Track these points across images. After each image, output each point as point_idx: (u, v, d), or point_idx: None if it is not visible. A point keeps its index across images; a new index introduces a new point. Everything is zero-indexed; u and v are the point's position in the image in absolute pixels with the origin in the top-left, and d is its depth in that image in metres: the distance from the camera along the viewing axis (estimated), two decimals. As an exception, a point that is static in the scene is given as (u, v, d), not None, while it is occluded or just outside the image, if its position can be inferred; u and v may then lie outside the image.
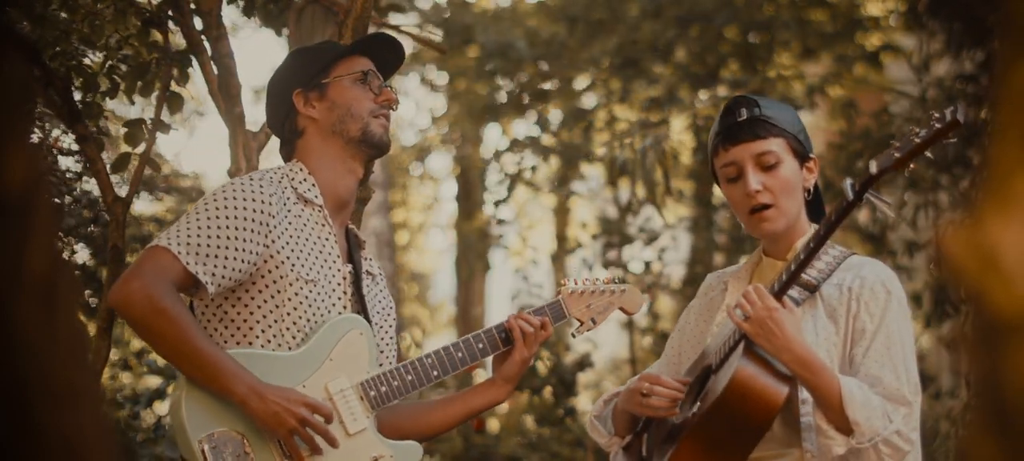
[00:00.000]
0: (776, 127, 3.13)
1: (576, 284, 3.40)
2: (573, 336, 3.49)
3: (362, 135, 3.16)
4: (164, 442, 5.52)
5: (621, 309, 3.46)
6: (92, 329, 4.33)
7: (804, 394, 3.01)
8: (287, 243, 3.03)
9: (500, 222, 11.98)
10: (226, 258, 2.93)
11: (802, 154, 3.16)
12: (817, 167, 3.22)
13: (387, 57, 3.31)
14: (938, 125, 2.76)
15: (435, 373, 3.14)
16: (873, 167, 2.84)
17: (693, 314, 3.41)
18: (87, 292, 5.45)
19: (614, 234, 10.21)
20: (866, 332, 3.04)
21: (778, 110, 3.18)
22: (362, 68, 3.22)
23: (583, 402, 10.36)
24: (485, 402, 3.29)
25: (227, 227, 2.94)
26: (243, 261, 2.95)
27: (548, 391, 8.50)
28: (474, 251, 12.68)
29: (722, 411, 2.96)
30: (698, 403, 3.07)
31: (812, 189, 3.19)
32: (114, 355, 6.36)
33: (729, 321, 3.13)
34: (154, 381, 6.83)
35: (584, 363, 8.56)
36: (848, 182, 2.89)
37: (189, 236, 2.91)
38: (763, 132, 3.11)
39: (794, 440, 3.04)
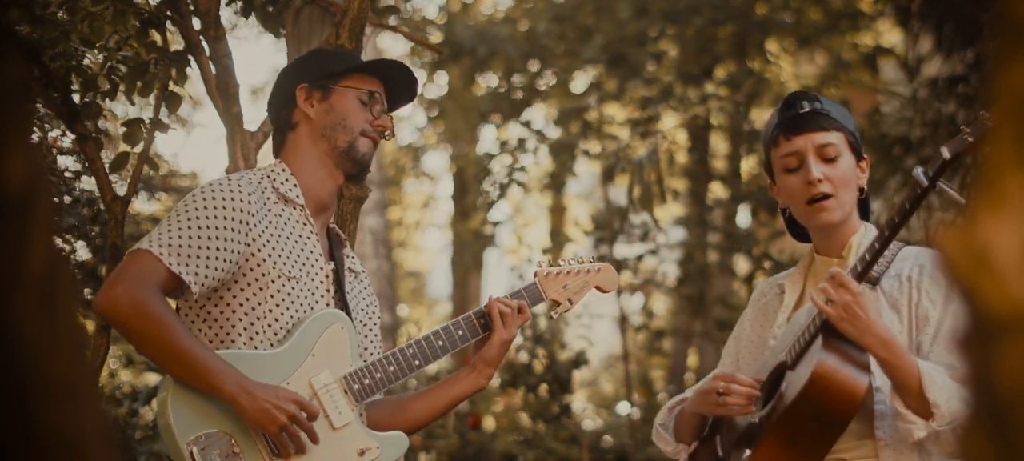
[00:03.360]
0: (837, 121, 3.14)
1: (551, 266, 3.41)
2: (551, 317, 3.48)
3: (347, 148, 3.18)
4: (162, 439, 5.52)
5: (597, 287, 3.46)
6: (91, 327, 4.33)
7: (877, 382, 2.98)
8: (268, 241, 3.04)
9: (495, 224, 11.98)
10: (208, 258, 2.94)
11: (858, 151, 3.17)
12: (868, 167, 3.22)
13: (400, 88, 3.33)
14: None
15: (417, 363, 3.15)
16: (945, 152, 2.80)
17: (747, 321, 3.39)
18: (86, 290, 5.46)
19: (606, 228, 10.21)
20: (930, 319, 3.02)
21: (837, 108, 3.19)
22: (371, 88, 3.25)
23: (578, 399, 10.35)
24: (467, 389, 3.29)
25: (208, 227, 2.95)
26: (225, 261, 2.97)
27: (543, 388, 8.51)
28: (470, 250, 12.68)
29: (805, 404, 2.91)
30: (775, 400, 3.03)
31: (863, 189, 3.19)
32: (113, 352, 6.36)
33: (797, 319, 3.11)
34: (153, 378, 6.83)
35: (579, 360, 8.57)
36: (919, 169, 2.85)
37: (171, 238, 2.93)
38: (826, 124, 3.12)
39: (867, 431, 3.02)
